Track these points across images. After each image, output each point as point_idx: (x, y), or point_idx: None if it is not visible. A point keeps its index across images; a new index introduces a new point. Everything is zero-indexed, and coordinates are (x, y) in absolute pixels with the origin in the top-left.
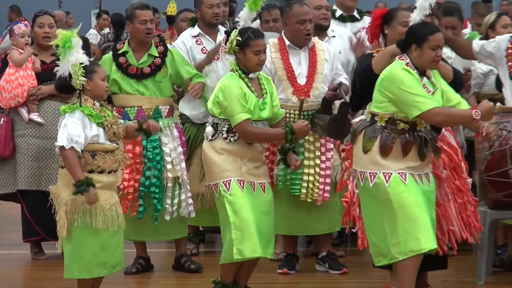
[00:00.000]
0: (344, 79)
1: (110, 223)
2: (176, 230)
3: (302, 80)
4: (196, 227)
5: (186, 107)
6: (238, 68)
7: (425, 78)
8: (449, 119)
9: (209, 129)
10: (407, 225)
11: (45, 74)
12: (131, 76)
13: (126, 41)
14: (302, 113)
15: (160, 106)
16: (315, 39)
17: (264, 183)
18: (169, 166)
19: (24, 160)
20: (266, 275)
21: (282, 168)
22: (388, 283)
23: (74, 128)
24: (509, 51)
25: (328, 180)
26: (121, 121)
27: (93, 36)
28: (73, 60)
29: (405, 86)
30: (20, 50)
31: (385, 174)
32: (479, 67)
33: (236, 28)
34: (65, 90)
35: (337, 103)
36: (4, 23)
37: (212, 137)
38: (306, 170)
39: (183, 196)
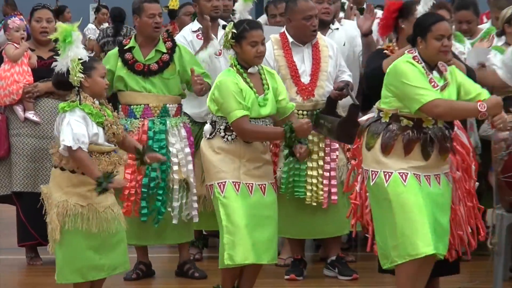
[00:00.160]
0: (348, 76)
1: (103, 226)
2: (180, 234)
3: (306, 79)
4: (200, 231)
5: (187, 106)
6: (237, 63)
7: (434, 73)
8: (451, 112)
9: (207, 127)
10: (405, 227)
11: (42, 70)
12: (138, 73)
13: (133, 36)
14: (307, 112)
15: (167, 104)
16: (318, 35)
17: (265, 184)
18: (175, 168)
19: (20, 161)
20: (272, 281)
21: (285, 171)
22: None
23: (79, 128)
24: None
25: (334, 182)
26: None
27: (92, 31)
28: (72, 55)
29: (408, 79)
30: (15, 44)
31: (385, 173)
32: (494, 62)
33: (233, 21)
34: (63, 86)
35: (341, 102)
36: None
37: (210, 135)
38: (309, 172)
39: (188, 199)
